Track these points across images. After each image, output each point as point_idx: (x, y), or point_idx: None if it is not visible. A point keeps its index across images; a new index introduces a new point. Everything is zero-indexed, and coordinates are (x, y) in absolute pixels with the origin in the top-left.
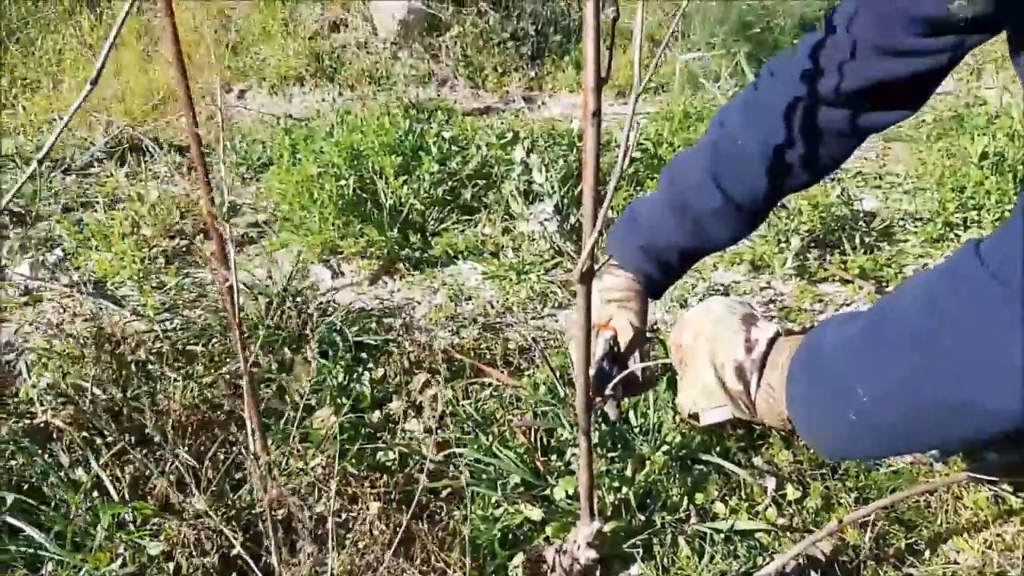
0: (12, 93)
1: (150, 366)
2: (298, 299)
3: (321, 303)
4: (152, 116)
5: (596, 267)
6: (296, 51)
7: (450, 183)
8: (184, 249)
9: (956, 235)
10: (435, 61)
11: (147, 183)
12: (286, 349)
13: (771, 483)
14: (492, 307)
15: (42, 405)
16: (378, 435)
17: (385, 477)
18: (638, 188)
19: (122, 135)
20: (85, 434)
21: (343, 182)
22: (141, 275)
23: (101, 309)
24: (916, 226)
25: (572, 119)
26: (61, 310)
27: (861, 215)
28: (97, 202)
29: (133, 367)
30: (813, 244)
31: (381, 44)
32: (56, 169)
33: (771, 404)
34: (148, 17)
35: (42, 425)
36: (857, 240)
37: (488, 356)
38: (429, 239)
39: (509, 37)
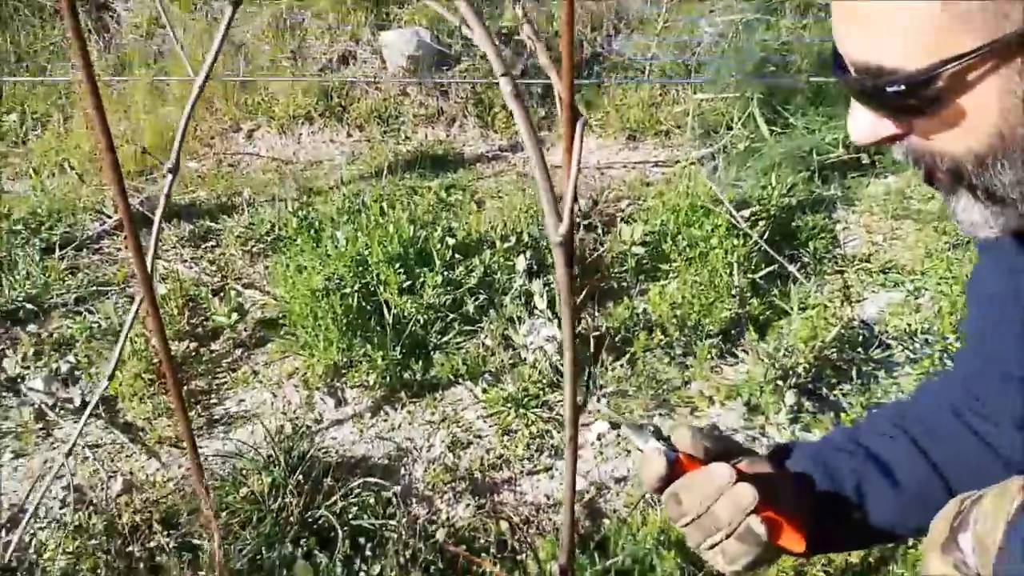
0: (23, 129)
1: (157, 558)
2: (300, 476)
3: (323, 452)
4: (162, 158)
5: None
6: (305, 89)
7: (453, 294)
8: (193, 354)
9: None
10: (444, 98)
11: (155, 266)
12: (288, 543)
13: None
14: (489, 455)
15: None
16: None
17: None
18: (642, 277)
19: (132, 195)
20: None
21: (347, 290)
22: (151, 405)
23: (115, 451)
24: (914, 349)
25: (583, 170)
26: (74, 456)
27: (860, 334)
28: (109, 289)
29: (141, 564)
30: (811, 374)
31: (390, 80)
32: (68, 246)
33: None
34: (159, 42)
35: None
36: (854, 372)
37: (483, 539)
38: (431, 355)
39: (520, 74)
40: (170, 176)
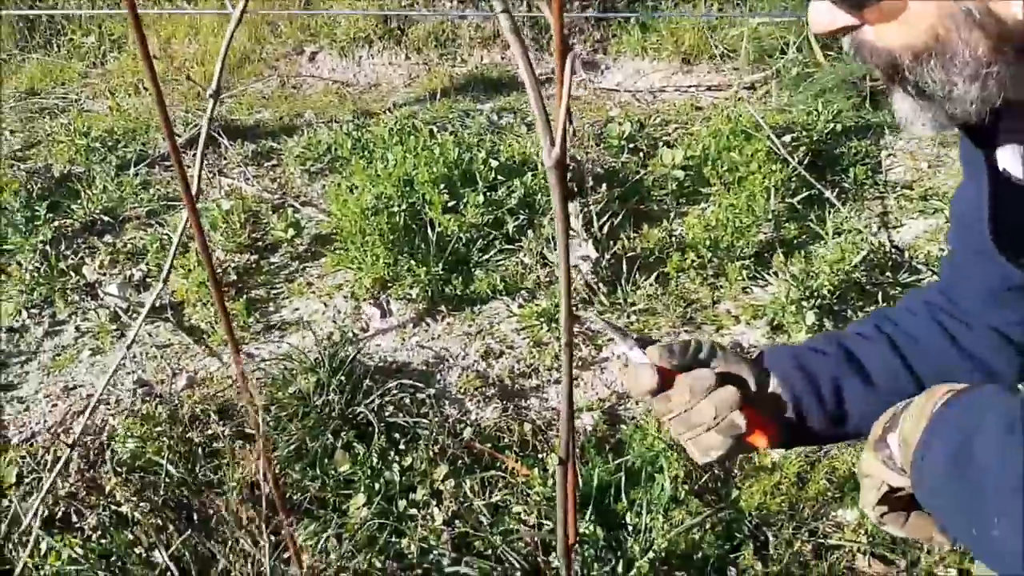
0: (101, 51)
1: (214, 444)
2: (342, 377)
3: (366, 357)
4: (232, 80)
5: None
6: (364, 12)
7: (495, 214)
8: (253, 265)
9: None
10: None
11: (220, 184)
12: (329, 435)
13: None
14: (519, 364)
15: (124, 491)
16: (402, 524)
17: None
18: (682, 201)
19: (201, 115)
20: (159, 521)
21: (395, 209)
22: (213, 310)
23: (181, 351)
24: None
25: (636, 94)
26: (143, 355)
27: (891, 258)
28: (178, 204)
29: (200, 449)
30: (836, 296)
31: (448, 1)
32: (142, 163)
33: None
34: None
35: (124, 512)
36: (880, 295)
37: (507, 438)
38: (472, 271)
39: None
40: (212, 100)
